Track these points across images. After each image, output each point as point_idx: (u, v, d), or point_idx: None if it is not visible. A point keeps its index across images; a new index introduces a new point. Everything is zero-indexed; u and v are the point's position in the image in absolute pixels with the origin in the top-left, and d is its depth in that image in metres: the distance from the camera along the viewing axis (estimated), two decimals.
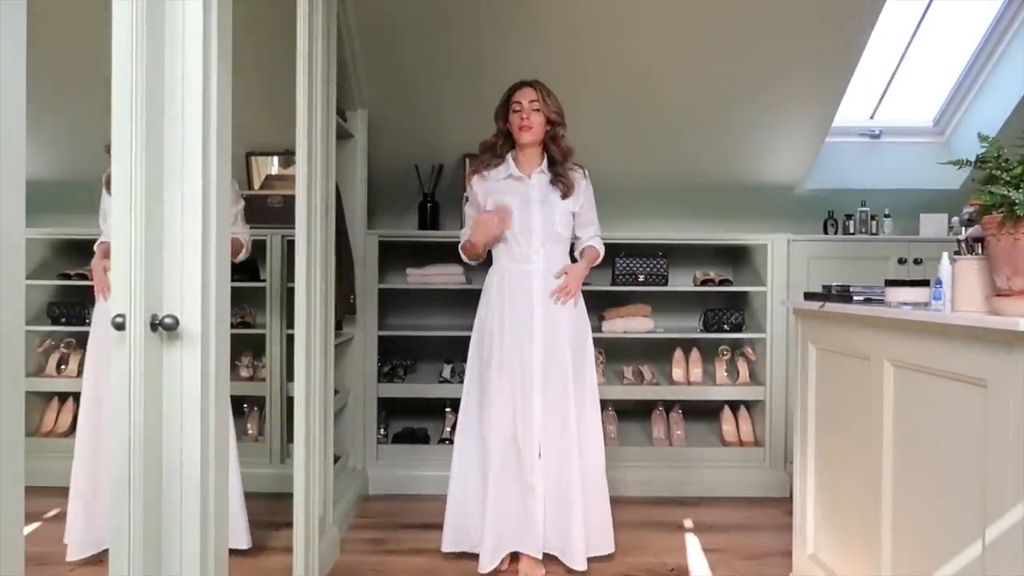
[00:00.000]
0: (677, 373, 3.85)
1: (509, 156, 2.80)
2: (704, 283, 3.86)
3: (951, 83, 4.02)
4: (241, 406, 3.74)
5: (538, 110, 2.72)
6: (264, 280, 3.60)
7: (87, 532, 2.71)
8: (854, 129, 4.16)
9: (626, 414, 3.94)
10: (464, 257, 2.85)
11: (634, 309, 3.82)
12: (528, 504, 2.66)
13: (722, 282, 3.88)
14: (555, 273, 2.76)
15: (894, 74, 4.01)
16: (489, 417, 2.70)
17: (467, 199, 2.87)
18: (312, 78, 2.56)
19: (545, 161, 2.79)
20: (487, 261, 2.87)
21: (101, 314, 2.77)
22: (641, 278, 3.80)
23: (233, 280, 1.90)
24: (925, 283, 2.05)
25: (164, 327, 1.59)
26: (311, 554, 2.54)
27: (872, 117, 4.19)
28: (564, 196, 2.76)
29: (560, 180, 2.76)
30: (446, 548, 2.79)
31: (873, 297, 2.19)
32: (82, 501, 2.72)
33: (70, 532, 2.74)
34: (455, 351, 3.79)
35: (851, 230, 3.94)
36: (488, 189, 2.78)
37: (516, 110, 2.73)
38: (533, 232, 2.73)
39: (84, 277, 3.73)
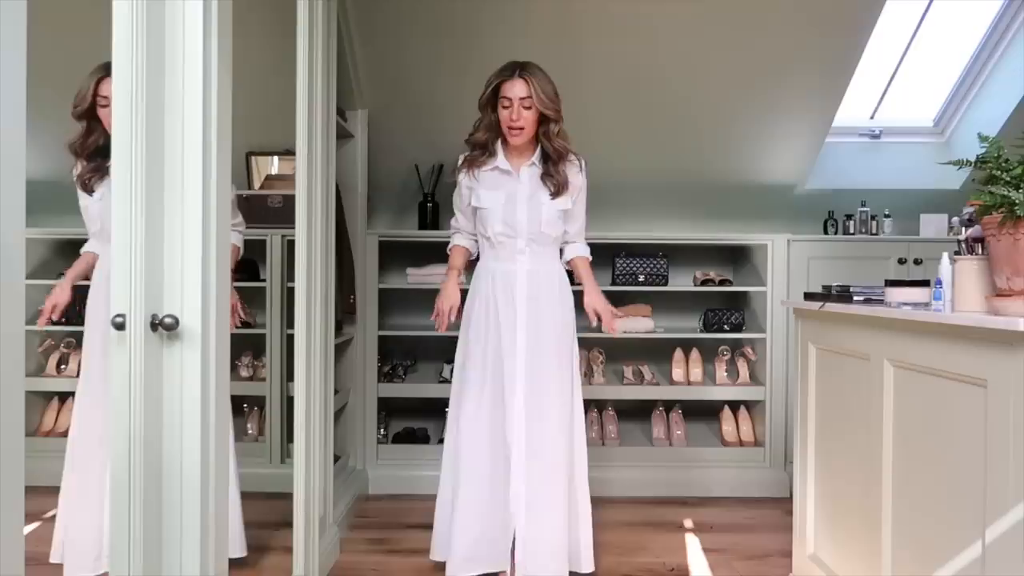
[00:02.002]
0: (677, 373, 3.85)
1: (499, 145, 2.60)
2: (704, 283, 3.86)
3: (951, 83, 4.02)
4: (241, 406, 3.74)
5: (530, 108, 2.48)
6: (264, 280, 3.60)
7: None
8: (854, 129, 4.16)
9: (626, 414, 3.94)
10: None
11: (634, 309, 3.83)
12: (504, 517, 2.50)
13: (722, 282, 3.88)
14: (546, 293, 2.59)
15: (894, 74, 4.01)
16: (460, 417, 2.58)
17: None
18: (312, 78, 2.56)
19: (538, 152, 2.59)
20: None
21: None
22: (641, 278, 3.80)
23: (233, 280, 1.90)
24: (925, 283, 2.05)
25: (164, 327, 1.59)
26: (311, 554, 2.54)
27: (872, 117, 4.19)
28: (554, 195, 2.57)
29: (551, 177, 2.56)
30: None
31: (873, 297, 2.19)
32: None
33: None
34: (455, 351, 3.78)
35: (851, 230, 3.94)
36: (474, 183, 2.60)
37: (505, 107, 2.49)
38: (518, 231, 2.56)
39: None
